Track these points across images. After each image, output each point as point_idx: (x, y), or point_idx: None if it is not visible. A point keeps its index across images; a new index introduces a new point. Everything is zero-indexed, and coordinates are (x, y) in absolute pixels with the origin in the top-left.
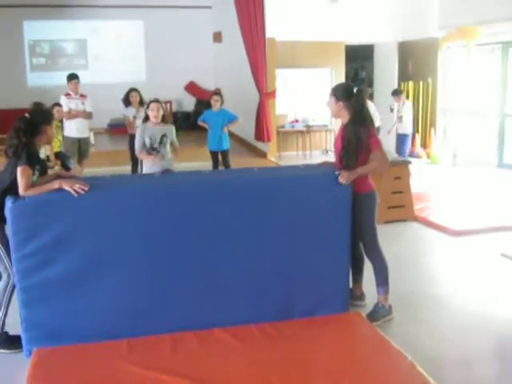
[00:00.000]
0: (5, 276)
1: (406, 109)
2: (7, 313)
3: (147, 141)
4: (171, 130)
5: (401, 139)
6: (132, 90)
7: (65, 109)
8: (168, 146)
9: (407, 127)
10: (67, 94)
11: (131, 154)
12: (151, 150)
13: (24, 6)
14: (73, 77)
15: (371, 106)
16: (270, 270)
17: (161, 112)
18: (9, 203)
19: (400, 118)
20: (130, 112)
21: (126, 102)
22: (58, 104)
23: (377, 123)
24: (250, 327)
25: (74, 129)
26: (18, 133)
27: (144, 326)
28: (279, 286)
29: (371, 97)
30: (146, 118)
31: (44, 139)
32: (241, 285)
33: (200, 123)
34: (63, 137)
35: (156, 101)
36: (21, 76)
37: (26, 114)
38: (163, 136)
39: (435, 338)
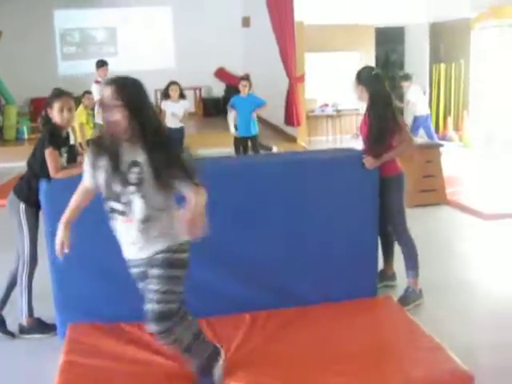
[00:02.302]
0: (19, 261)
1: (411, 92)
2: (31, 299)
3: None
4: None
5: (414, 121)
6: (172, 83)
7: (97, 96)
8: None
9: (416, 109)
10: (97, 82)
11: None
12: None
13: None
14: (102, 63)
15: (417, 91)
16: (297, 255)
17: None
18: (42, 185)
19: (408, 102)
20: (170, 107)
21: (166, 95)
22: (88, 92)
23: (417, 111)
24: (276, 311)
25: None
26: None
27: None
28: (306, 271)
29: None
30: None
31: (59, 121)
32: (268, 269)
33: (229, 109)
34: (94, 124)
35: None
36: (52, 65)
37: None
38: None
39: (466, 324)
